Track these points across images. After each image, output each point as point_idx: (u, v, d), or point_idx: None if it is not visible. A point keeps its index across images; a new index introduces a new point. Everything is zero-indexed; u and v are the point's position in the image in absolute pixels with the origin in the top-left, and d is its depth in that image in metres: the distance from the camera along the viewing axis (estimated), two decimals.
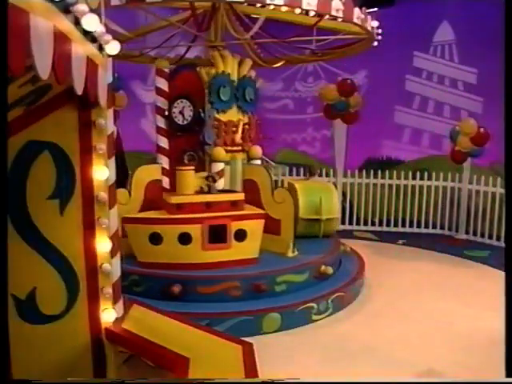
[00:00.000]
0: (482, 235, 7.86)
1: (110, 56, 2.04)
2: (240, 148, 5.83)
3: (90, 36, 1.74)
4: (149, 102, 10.15)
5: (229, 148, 5.69)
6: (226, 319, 4.22)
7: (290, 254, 5.19)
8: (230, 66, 5.70)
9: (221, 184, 5.52)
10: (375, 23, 5.33)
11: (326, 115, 8.68)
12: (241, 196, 5.10)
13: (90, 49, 1.76)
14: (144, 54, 6.70)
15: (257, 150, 5.89)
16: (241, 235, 4.86)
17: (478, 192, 7.89)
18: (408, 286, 5.70)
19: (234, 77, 5.73)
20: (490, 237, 7.71)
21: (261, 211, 5.09)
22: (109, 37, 1.92)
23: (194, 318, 4.10)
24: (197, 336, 2.09)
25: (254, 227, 4.89)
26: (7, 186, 1.92)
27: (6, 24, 1.00)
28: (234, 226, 4.80)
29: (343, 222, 8.76)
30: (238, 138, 5.75)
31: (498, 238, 7.51)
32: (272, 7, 5.05)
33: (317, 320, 4.63)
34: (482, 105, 8.70)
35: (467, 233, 8.10)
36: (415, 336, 4.41)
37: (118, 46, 1.90)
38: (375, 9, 8.76)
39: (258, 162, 5.91)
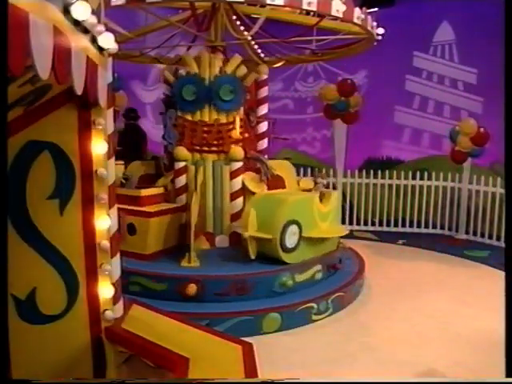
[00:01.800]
0: (482, 235, 7.85)
1: (110, 56, 2.03)
2: (215, 149, 5.59)
3: (90, 35, 1.74)
4: (149, 102, 10.16)
5: (201, 148, 5.58)
6: (226, 319, 4.22)
7: (182, 263, 4.82)
8: (205, 66, 5.59)
9: (181, 182, 5.59)
10: (375, 23, 5.31)
11: (325, 115, 8.68)
12: (139, 192, 5.16)
13: (90, 48, 1.76)
14: (144, 54, 6.69)
15: (236, 152, 5.53)
16: (132, 229, 5.02)
17: (477, 192, 7.89)
18: (408, 286, 5.70)
19: (209, 76, 5.55)
20: (490, 237, 7.71)
21: (151, 210, 5.06)
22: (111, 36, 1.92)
23: (194, 318, 4.12)
24: (197, 336, 2.09)
25: (143, 224, 4.96)
26: (7, 186, 1.91)
27: (6, 24, 0.99)
28: (124, 220, 4.92)
29: (343, 222, 8.77)
30: (210, 138, 5.54)
31: (498, 238, 7.51)
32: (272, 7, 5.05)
33: (317, 320, 4.63)
34: (482, 105, 8.66)
35: (467, 233, 8.09)
36: (415, 336, 4.41)
37: (116, 46, 1.90)
38: (375, 9, 8.80)
39: (238, 164, 5.57)
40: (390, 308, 5.05)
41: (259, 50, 6.86)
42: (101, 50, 1.92)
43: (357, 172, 8.80)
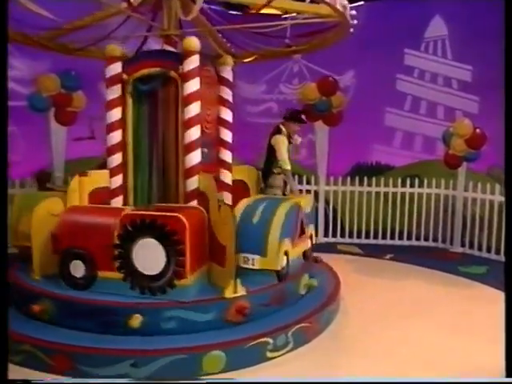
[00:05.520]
0: (480, 248, 7.19)
1: None
2: None
3: None
4: None
5: None
6: (156, 358, 3.40)
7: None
8: None
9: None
10: (345, 1, 4.53)
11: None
12: None
13: None
14: (89, 45, 5.95)
15: None
16: None
17: (474, 200, 7.30)
18: (392, 312, 4.83)
19: None
20: (489, 250, 7.04)
21: None
22: None
23: (118, 356, 3.39)
24: None
25: None
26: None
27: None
28: None
29: (326, 234, 8.01)
30: None
31: (498, 251, 6.83)
32: None
33: (273, 357, 3.76)
34: (477, 104, 8.17)
35: (463, 245, 7.43)
36: (398, 377, 3.56)
37: None
38: (361, 2, 8.16)
39: None
40: (368, 341, 4.17)
41: (229, 44, 6.21)
42: None
43: (340, 179, 8.14)
